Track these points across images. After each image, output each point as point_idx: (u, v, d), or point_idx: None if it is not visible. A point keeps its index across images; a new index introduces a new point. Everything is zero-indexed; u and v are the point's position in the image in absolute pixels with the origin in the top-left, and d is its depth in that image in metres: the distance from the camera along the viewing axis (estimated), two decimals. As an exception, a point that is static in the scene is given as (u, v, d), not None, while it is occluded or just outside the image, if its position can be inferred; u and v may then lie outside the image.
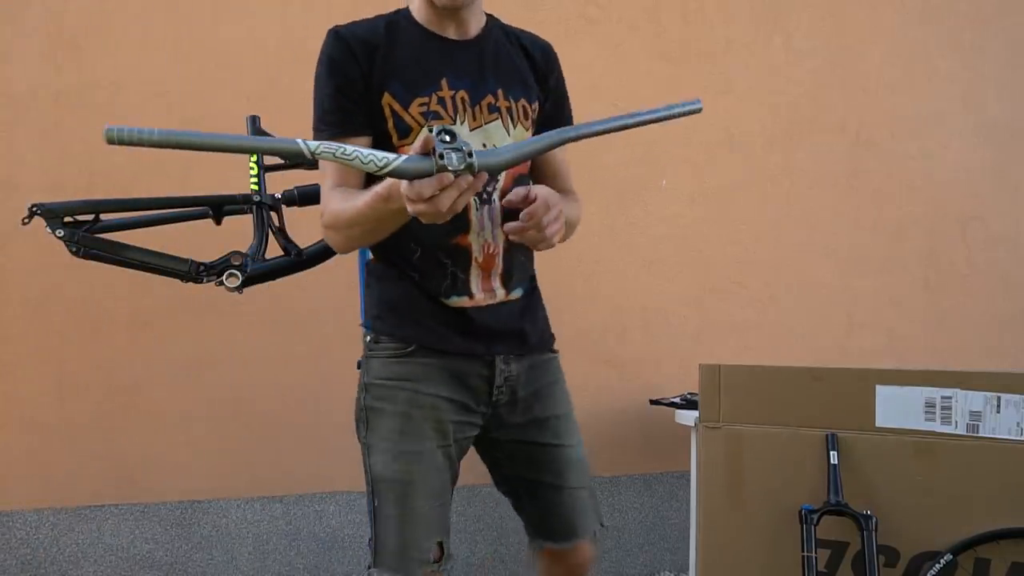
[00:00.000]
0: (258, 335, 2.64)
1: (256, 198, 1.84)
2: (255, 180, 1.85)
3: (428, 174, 1.06)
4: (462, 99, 1.40)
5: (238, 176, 2.06)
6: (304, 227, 1.95)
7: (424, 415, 1.39)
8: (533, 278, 1.54)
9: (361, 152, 1.06)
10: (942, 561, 1.67)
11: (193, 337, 2.59)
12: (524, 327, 1.47)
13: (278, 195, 1.89)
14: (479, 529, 2.82)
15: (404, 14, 1.45)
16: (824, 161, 3.17)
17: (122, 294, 2.53)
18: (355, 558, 2.71)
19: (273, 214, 1.86)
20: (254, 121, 1.89)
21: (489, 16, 1.50)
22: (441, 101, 1.39)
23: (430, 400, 1.39)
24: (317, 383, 2.68)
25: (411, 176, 1.07)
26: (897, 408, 1.79)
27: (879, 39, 3.24)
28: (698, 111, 1.24)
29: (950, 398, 1.75)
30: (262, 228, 1.84)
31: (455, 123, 1.39)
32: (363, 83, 1.38)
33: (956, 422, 1.74)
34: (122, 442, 2.55)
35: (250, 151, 1.18)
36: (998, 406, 1.71)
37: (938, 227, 3.28)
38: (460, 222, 1.35)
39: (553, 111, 1.51)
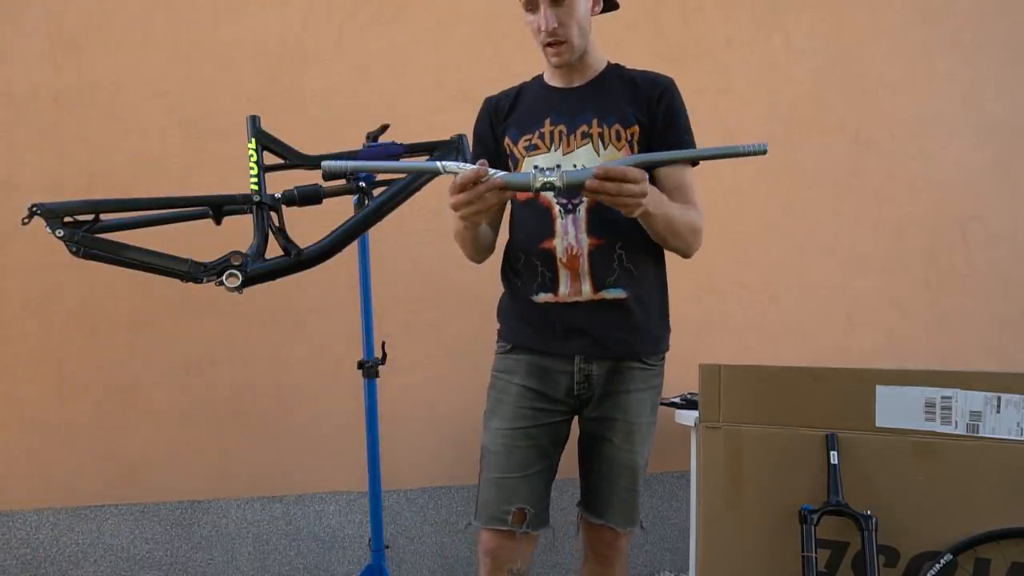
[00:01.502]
0: (258, 335, 2.64)
1: (256, 198, 1.83)
2: (255, 180, 1.85)
3: (527, 187, 1.42)
4: (560, 132, 1.70)
5: (238, 176, 2.06)
6: (304, 227, 1.94)
7: (510, 400, 1.72)
8: (643, 285, 1.71)
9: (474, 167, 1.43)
10: (942, 561, 1.67)
11: (193, 337, 2.59)
12: (605, 331, 1.68)
13: (278, 195, 1.89)
14: (479, 529, 2.82)
15: (538, 77, 1.82)
16: (824, 161, 3.17)
17: (122, 294, 2.54)
18: (355, 558, 2.71)
19: (273, 214, 1.86)
20: (254, 121, 1.88)
21: (610, 64, 1.78)
22: (541, 136, 1.71)
23: (516, 389, 1.72)
24: (317, 383, 2.68)
25: (513, 187, 1.44)
26: (897, 408, 1.79)
27: (879, 39, 3.23)
28: (763, 152, 1.38)
29: (950, 398, 1.75)
30: (262, 228, 1.84)
31: (550, 151, 1.70)
32: (492, 135, 1.80)
33: (956, 422, 1.74)
34: (122, 442, 2.55)
35: (406, 171, 1.62)
36: (998, 406, 1.71)
37: (938, 227, 3.28)
38: (547, 230, 1.67)
39: (663, 130, 1.70)
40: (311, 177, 2.00)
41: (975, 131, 3.32)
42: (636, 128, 1.68)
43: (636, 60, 1.83)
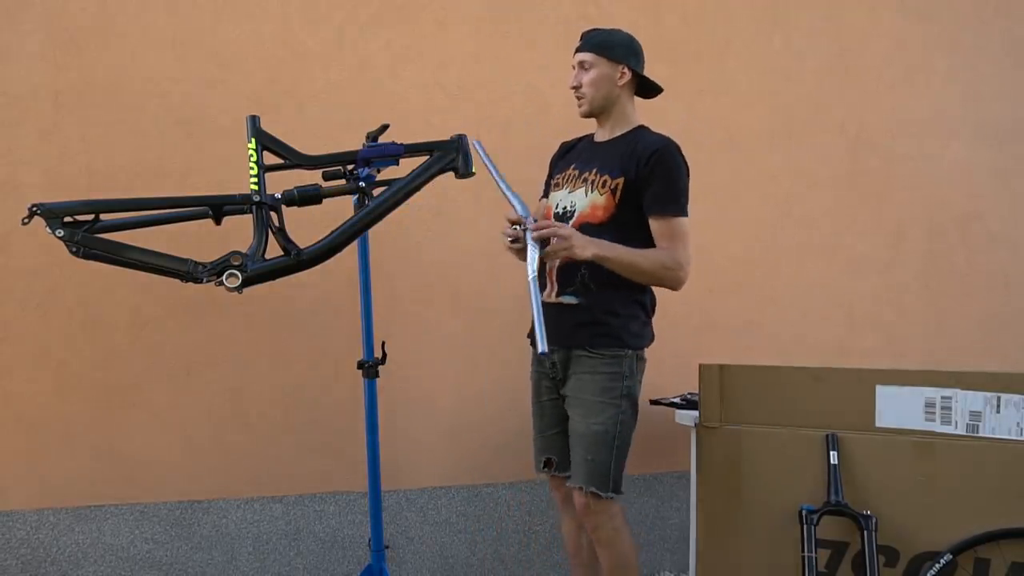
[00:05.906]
0: (258, 335, 2.64)
1: (256, 198, 1.83)
2: (255, 180, 1.85)
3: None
4: (574, 175, 2.18)
5: (238, 176, 2.06)
6: (304, 227, 1.95)
7: (533, 381, 2.26)
8: (598, 297, 2.05)
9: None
10: (942, 561, 1.67)
11: (193, 337, 2.59)
12: (560, 325, 2.04)
13: (278, 195, 1.89)
14: (479, 529, 2.82)
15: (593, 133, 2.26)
16: (824, 161, 3.17)
17: (122, 294, 2.54)
18: (355, 558, 2.71)
19: (273, 214, 1.86)
20: (254, 121, 1.88)
21: (638, 127, 2.16)
22: (563, 177, 2.21)
23: (534, 372, 2.26)
24: (317, 383, 2.68)
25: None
26: (897, 408, 1.79)
27: (879, 39, 3.24)
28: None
29: (950, 398, 1.75)
30: (262, 228, 1.84)
31: (562, 189, 2.19)
32: (552, 173, 2.32)
33: (956, 422, 1.74)
34: (122, 442, 2.55)
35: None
36: (998, 406, 1.71)
37: (938, 227, 3.28)
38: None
39: (643, 184, 2.04)
40: (311, 177, 2.00)
41: (975, 131, 3.32)
42: (621, 180, 2.05)
43: (636, 60, 1.83)
